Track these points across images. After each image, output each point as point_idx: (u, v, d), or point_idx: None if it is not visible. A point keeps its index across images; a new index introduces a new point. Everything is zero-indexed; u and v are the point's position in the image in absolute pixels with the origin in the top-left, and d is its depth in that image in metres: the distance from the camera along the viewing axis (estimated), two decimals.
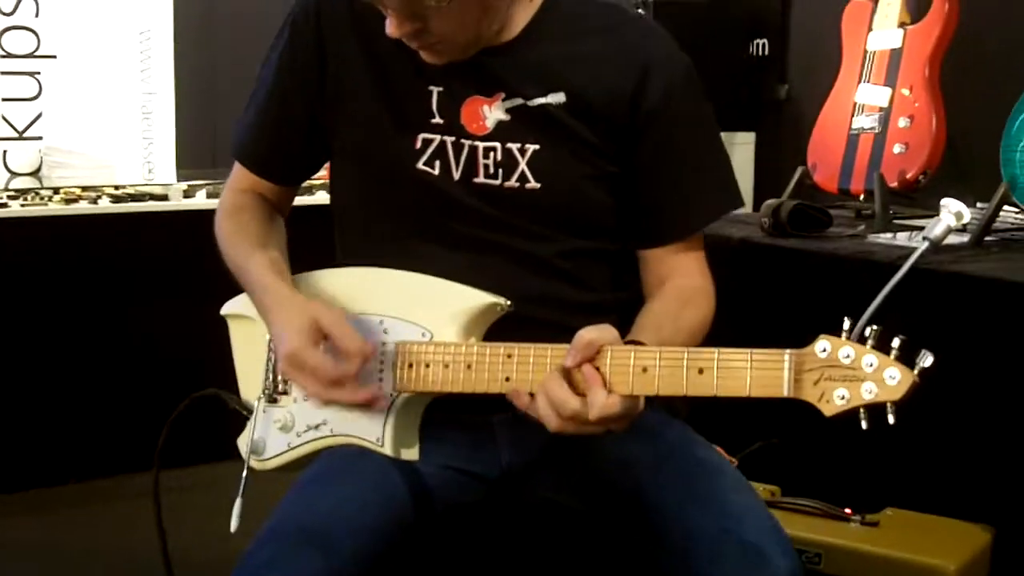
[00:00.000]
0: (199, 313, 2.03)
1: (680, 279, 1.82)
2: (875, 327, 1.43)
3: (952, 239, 2.53)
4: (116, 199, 3.73)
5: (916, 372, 1.41)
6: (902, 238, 2.83)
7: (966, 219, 2.34)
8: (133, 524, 2.09)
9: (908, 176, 3.02)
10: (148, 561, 1.98)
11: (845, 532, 2.25)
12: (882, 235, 2.88)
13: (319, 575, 1.52)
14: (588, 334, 1.55)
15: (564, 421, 1.53)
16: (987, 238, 2.76)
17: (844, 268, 2.66)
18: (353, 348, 1.65)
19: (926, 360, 1.41)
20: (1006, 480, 2.35)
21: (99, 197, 3.72)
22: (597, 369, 1.54)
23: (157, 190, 3.87)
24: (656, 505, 1.66)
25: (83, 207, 3.62)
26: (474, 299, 1.69)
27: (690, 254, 1.84)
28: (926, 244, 2.31)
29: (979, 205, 2.80)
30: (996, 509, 2.33)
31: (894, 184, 3.03)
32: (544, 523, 1.81)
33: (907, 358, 1.42)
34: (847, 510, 2.32)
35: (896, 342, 1.43)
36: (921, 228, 2.72)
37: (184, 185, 3.84)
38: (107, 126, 3.97)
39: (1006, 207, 2.77)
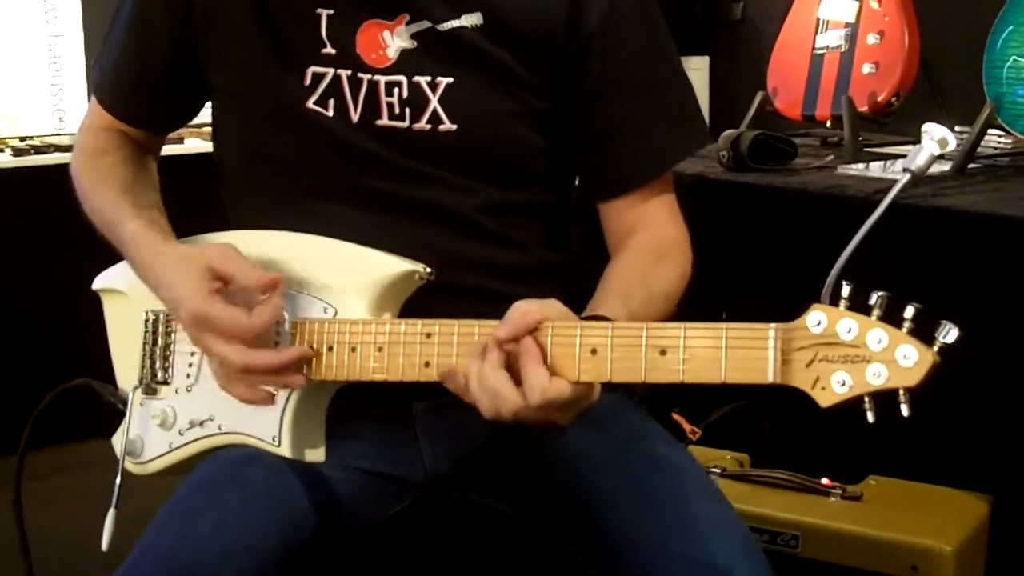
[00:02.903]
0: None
1: (649, 230, 1.57)
2: (883, 293, 1.16)
3: (932, 167, 2.31)
4: (18, 152, 3.66)
5: (936, 350, 1.14)
6: (875, 168, 2.68)
7: (951, 146, 2.11)
8: None
9: (879, 99, 2.86)
10: (6, 551, 1.80)
11: (825, 509, 2.04)
12: (853, 166, 2.72)
13: None
14: (525, 303, 1.28)
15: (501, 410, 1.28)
16: (970, 165, 2.60)
17: (813, 205, 2.47)
18: (258, 281, 1.40)
19: (949, 335, 1.13)
20: (1003, 441, 2.16)
21: (1, 150, 3.63)
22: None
23: (66, 140, 3.74)
24: (606, 513, 1.42)
25: None
26: (387, 267, 1.44)
27: (657, 199, 1.59)
28: (907, 176, 2.09)
29: (957, 129, 2.62)
30: (992, 474, 2.15)
31: (864, 108, 2.88)
32: (477, 534, 1.57)
33: (924, 331, 1.15)
34: (825, 480, 2.11)
35: (909, 311, 1.15)
36: (895, 157, 2.56)
37: None
38: (11, 73, 3.79)
39: (990, 131, 2.62)
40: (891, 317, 1.16)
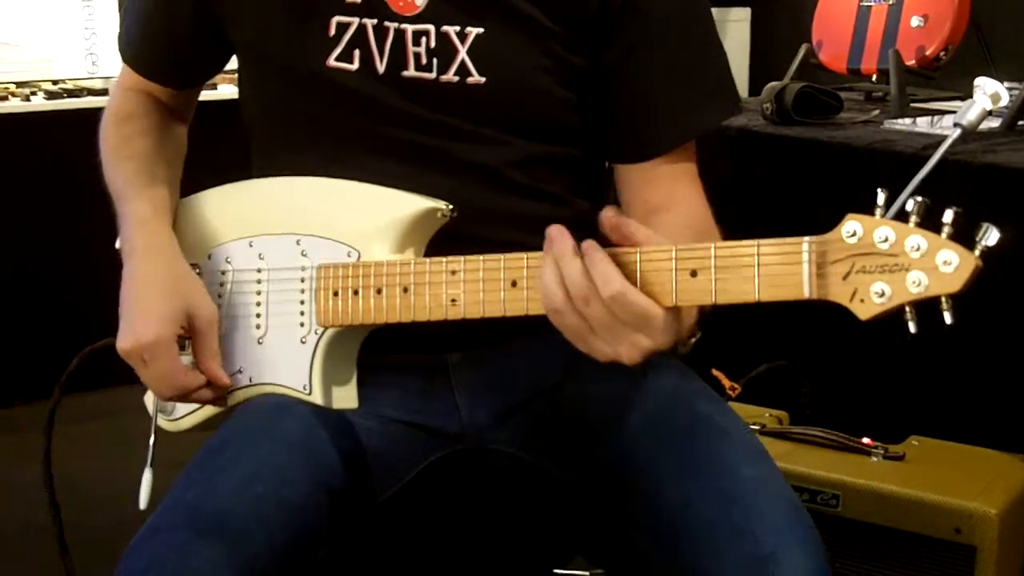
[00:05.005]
0: None
1: (681, 208, 1.50)
2: (919, 199, 1.10)
3: (981, 124, 2.26)
4: (51, 95, 3.66)
5: (978, 253, 1.08)
6: (923, 124, 2.60)
7: (1004, 101, 2.07)
8: (23, 458, 1.92)
9: (928, 53, 2.78)
10: (35, 499, 1.80)
11: (866, 468, 1.97)
12: (900, 121, 2.65)
13: (221, 574, 1.22)
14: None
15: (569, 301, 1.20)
16: (1020, 122, 2.52)
17: (860, 159, 2.41)
18: (214, 372, 1.43)
19: (990, 237, 1.08)
20: None
21: (34, 93, 3.65)
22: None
23: (98, 84, 3.76)
24: (645, 475, 1.37)
25: (14, 104, 3.56)
26: (408, 205, 1.40)
27: (685, 176, 1.53)
28: (958, 131, 2.05)
29: (1007, 85, 2.51)
30: None
31: (911, 62, 2.80)
32: (512, 488, 1.53)
33: (964, 236, 1.09)
34: (866, 440, 2.05)
35: (948, 215, 1.09)
36: (943, 112, 2.48)
37: None
38: (45, 17, 3.78)
39: None
40: (929, 223, 1.10)
